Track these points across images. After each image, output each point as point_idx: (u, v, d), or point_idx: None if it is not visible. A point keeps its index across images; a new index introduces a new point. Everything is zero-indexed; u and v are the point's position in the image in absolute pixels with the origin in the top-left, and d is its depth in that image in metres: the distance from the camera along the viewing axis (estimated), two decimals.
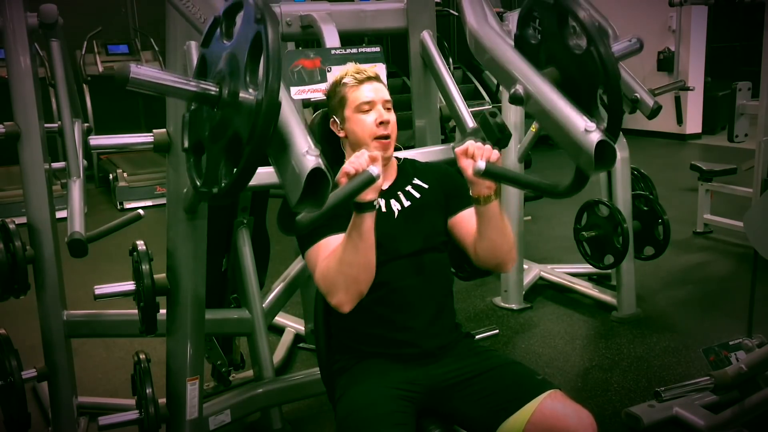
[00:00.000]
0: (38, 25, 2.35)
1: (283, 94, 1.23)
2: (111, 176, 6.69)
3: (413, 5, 2.21)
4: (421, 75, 2.26)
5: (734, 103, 3.92)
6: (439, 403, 1.73)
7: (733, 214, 4.73)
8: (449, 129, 2.71)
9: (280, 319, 3.50)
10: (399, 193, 1.81)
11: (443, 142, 2.35)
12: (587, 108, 1.55)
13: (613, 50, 2.47)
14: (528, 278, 3.99)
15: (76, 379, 2.61)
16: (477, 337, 2.08)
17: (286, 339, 3.41)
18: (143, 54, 7.80)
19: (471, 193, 1.66)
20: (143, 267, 2.08)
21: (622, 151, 3.56)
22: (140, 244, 2.13)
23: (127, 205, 6.42)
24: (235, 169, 1.23)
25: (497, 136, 1.71)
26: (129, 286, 2.15)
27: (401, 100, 2.78)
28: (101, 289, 2.15)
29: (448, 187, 1.83)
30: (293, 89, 1.94)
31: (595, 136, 1.42)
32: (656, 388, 2.49)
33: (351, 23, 2.17)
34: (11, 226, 2.23)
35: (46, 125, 2.40)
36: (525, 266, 4.01)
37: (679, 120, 5.89)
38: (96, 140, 2.09)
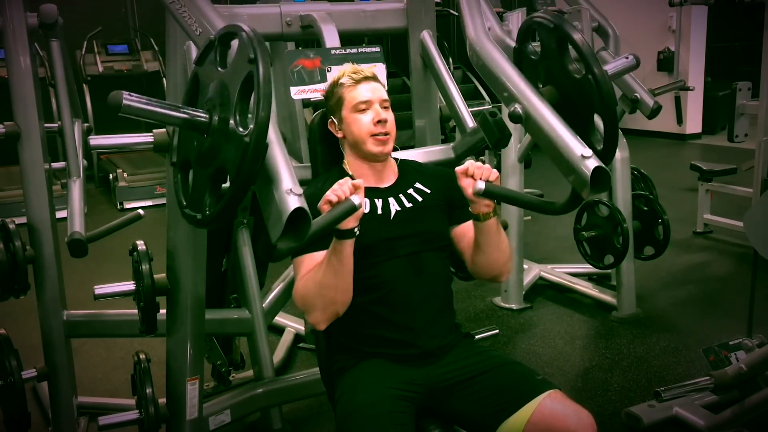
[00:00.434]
0: (38, 25, 2.35)
1: (272, 128, 1.26)
2: (111, 176, 6.69)
3: (413, 5, 2.21)
4: (421, 75, 2.26)
5: (734, 103, 3.91)
6: (439, 403, 1.73)
7: (733, 214, 4.74)
8: (449, 129, 2.71)
9: (280, 319, 3.50)
10: (400, 194, 1.81)
11: (443, 142, 2.35)
12: (584, 128, 1.61)
13: (609, 68, 2.51)
14: (528, 278, 3.99)
15: (76, 379, 2.61)
16: (477, 337, 2.08)
17: (286, 339, 3.40)
18: (143, 54, 7.79)
19: (471, 210, 1.71)
20: (143, 267, 2.08)
21: (622, 151, 3.56)
22: (140, 244, 2.13)
23: (127, 205, 6.42)
24: (219, 202, 1.28)
25: (497, 135, 1.71)
26: (129, 286, 2.15)
27: (401, 100, 2.79)
28: (101, 289, 2.15)
29: (452, 197, 1.83)
30: (293, 89, 1.95)
31: (592, 163, 1.48)
32: (656, 388, 2.49)
33: (351, 23, 2.17)
34: (11, 226, 2.23)
35: (46, 125, 2.40)
36: (525, 266, 4.01)
37: (679, 120, 5.88)
38: (96, 140, 2.09)
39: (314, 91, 1.95)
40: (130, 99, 1.29)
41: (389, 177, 1.84)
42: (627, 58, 2.52)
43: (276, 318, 3.35)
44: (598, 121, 1.62)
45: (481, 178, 1.62)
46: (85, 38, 7.37)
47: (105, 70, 7.47)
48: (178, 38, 1.96)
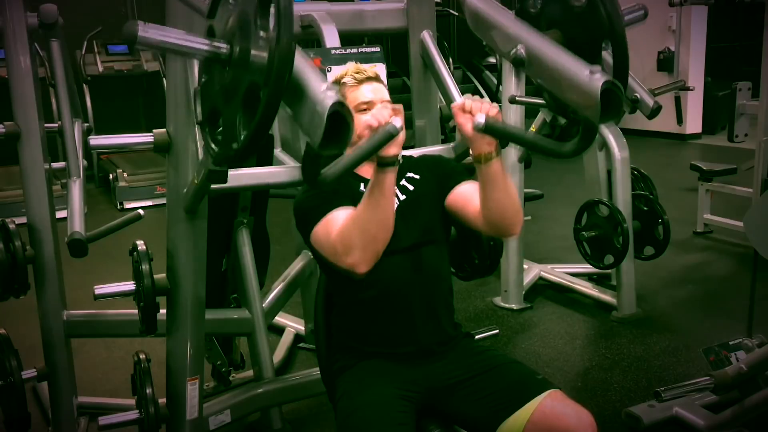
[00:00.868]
0: (38, 25, 2.36)
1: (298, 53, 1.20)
2: (111, 176, 6.69)
3: (413, 5, 2.21)
4: (421, 75, 2.26)
5: (734, 103, 3.92)
6: (439, 402, 1.73)
7: (733, 214, 4.73)
8: (449, 129, 2.71)
9: (280, 319, 3.50)
10: (395, 188, 1.81)
11: (443, 142, 2.35)
12: (591, 62, 1.47)
13: None
14: (528, 278, 3.99)
15: (76, 379, 2.61)
16: (477, 337, 2.08)
17: (286, 339, 3.40)
18: (143, 54, 7.79)
19: (471, 152, 1.61)
20: (143, 267, 2.08)
21: (622, 151, 3.57)
22: (140, 244, 2.13)
23: (127, 205, 6.42)
24: (254, 120, 1.19)
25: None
26: (129, 286, 2.15)
27: (401, 100, 2.78)
28: (101, 289, 2.15)
29: (439, 171, 1.82)
30: None
31: (601, 78, 1.35)
32: (656, 388, 2.49)
33: (351, 23, 2.18)
34: (11, 226, 2.23)
35: (46, 125, 2.40)
36: (525, 266, 4.00)
37: (679, 120, 5.88)
38: (96, 140, 2.09)
39: None
40: (147, 30, 1.17)
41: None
42: (634, 7, 2.47)
43: (276, 318, 3.35)
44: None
45: (480, 113, 1.50)
46: (85, 38, 7.36)
47: (105, 70, 7.46)
48: None
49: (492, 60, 8.29)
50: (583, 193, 3.86)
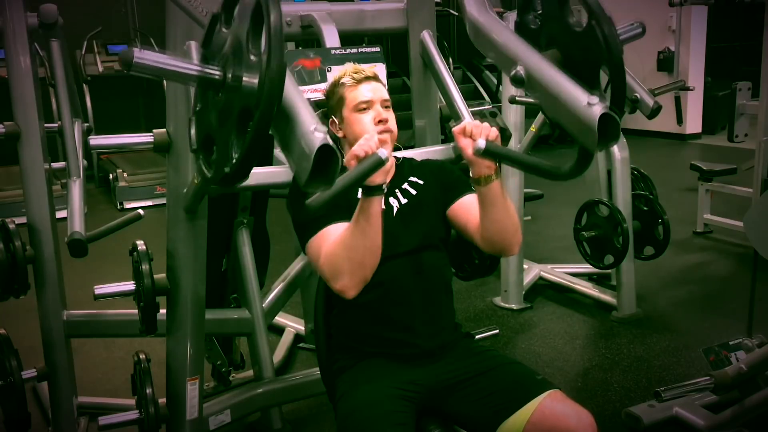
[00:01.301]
0: (38, 25, 2.35)
1: (288, 78, 1.22)
2: (111, 176, 6.69)
3: (413, 5, 2.21)
4: (421, 75, 2.26)
5: (734, 103, 3.92)
6: (439, 402, 1.73)
7: (733, 214, 4.73)
8: (449, 129, 2.71)
9: (280, 319, 3.50)
10: (396, 191, 1.81)
11: (443, 142, 2.35)
12: (589, 87, 1.50)
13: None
14: (528, 278, 3.99)
15: (76, 379, 2.61)
16: (477, 337, 2.08)
17: (286, 339, 3.41)
18: None
19: (471, 174, 1.62)
20: (143, 267, 2.08)
21: (622, 151, 3.57)
22: (140, 244, 2.13)
23: (127, 205, 6.42)
24: (244, 144, 1.19)
25: None
26: (129, 286, 2.15)
27: (401, 100, 2.78)
28: (101, 289, 2.15)
29: (443, 180, 1.82)
30: None
31: (598, 109, 1.37)
32: (656, 388, 2.49)
33: (351, 23, 2.17)
34: (11, 226, 2.23)
35: (46, 125, 2.40)
36: (525, 266, 4.01)
37: (679, 120, 5.88)
38: (96, 140, 2.09)
39: (314, 91, 1.95)
40: (142, 56, 1.21)
41: (388, 176, 1.84)
42: (633, 24, 2.49)
43: (276, 318, 3.34)
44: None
45: (480, 137, 1.53)
46: (85, 38, 7.36)
47: (105, 70, 7.46)
48: (178, 38, 1.95)
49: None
50: (583, 193, 3.86)
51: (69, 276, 2.60)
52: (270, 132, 1.23)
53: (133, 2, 8.34)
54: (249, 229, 2.78)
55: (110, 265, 3.89)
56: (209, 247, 2.21)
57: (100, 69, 7.45)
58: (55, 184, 2.93)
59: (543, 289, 4.06)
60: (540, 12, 1.69)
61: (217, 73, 1.30)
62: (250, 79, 1.22)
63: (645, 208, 3.66)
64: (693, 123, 8.65)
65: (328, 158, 1.20)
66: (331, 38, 2.02)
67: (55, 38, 2.47)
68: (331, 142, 1.20)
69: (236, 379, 2.93)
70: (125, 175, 6.58)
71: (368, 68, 1.85)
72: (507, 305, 3.83)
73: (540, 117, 3.78)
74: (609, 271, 3.84)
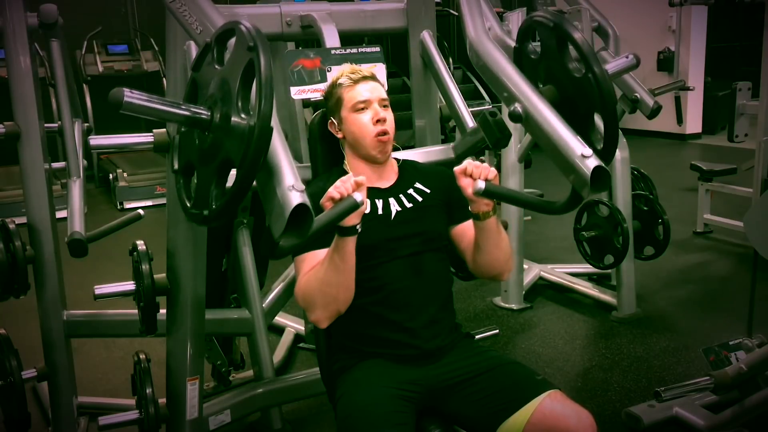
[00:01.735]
0: (38, 25, 2.35)
1: (273, 123, 1.25)
2: (111, 176, 6.69)
3: (413, 5, 2.21)
4: (421, 75, 2.26)
5: (734, 103, 3.92)
6: (439, 403, 1.73)
7: (733, 214, 4.74)
8: (449, 129, 2.71)
9: (280, 319, 3.50)
10: (400, 195, 1.81)
11: (443, 142, 2.35)
12: (584, 128, 1.61)
13: (609, 67, 2.51)
14: (528, 278, 3.99)
15: (76, 379, 2.61)
16: (477, 337, 2.08)
17: (286, 339, 3.40)
18: (143, 54, 7.79)
19: (470, 209, 1.70)
20: (143, 267, 2.08)
21: (622, 151, 3.56)
22: (140, 244, 2.13)
23: (127, 205, 6.43)
24: (225, 192, 1.27)
25: (497, 135, 1.71)
26: (129, 286, 2.15)
27: (401, 100, 2.78)
28: (101, 289, 2.15)
29: (451, 196, 1.83)
30: (293, 89, 1.94)
31: (592, 163, 1.47)
32: (656, 388, 2.49)
33: (351, 23, 2.17)
34: (11, 226, 2.23)
35: (46, 125, 2.40)
36: (525, 266, 4.01)
37: (679, 120, 5.88)
38: (96, 140, 2.09)
39: (314, 91, 1.95)
40: (132, 96, 1.27)
41: (390, 177, 1.84)
42: (627, 57, 2.53)
43: (276, 318, 3.35)
44: (598, 120, 1.62)
45: (480, 178, 1.61)
46: (85, 38, 7.37)
47: (105, 70, 7.47)
48: (178, 38, 1.96)
49: None
50: None
51: (69, 276, 2.60)
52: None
53: (133, 2, 8.34)
54: (249, 229, 2.78)
55: (110, 265, 3.90)
56: (209, 247, 2.21)
57: (100, 69, 7.46)
58: (55, 184, 2.93)
59: (543, 289, 4.06)
60: (539, 42, 1.72)
61: (205, 114, 1.35)
62: (238, 124, 1.26)
63: (645, 208, 3.66)
64: (693, 123, 8.66)
65: (303, 216, 1.25)
66: (331, 38, 2.02)
67: (55, 38, 2.47)
68: (307, 201, 1.25)
69: (236, 379, 2.93)
70: (125, 175, 6.58)
71: (368, 68, 1.86)
72: (507, 305, 3.83)
73: None
74: (609, 271, 3.84)
